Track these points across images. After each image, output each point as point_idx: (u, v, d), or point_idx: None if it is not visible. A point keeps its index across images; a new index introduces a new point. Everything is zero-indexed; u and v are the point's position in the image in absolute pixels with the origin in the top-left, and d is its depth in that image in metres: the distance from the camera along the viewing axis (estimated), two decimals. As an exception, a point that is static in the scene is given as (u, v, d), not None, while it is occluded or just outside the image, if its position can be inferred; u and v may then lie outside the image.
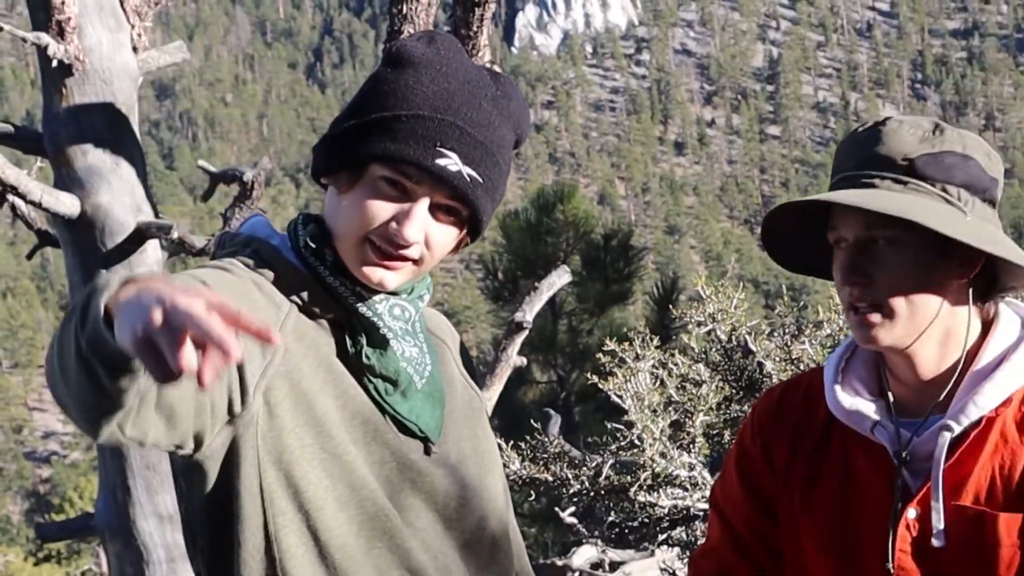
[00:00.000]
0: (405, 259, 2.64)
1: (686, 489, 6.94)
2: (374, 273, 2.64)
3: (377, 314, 2.69)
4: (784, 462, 3.14)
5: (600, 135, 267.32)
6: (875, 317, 2.81)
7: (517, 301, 12.77)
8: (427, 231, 2.64)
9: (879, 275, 2.79)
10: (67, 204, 6.23)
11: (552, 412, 9.92)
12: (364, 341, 2.70)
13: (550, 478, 7.88)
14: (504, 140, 2.71)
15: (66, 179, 6.31)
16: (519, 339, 7.41)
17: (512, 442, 8.04)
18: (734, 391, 7.29)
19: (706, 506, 6.98)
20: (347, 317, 2.72)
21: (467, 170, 2.62)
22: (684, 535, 7.20)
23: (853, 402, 2.98)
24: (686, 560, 7.50)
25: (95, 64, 6.29)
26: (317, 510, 2.64)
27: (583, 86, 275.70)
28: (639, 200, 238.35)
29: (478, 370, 3.07)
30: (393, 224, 2.60)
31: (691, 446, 7.10)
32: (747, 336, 7.29)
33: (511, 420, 15.26)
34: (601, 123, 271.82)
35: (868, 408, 2.97)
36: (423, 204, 2.61)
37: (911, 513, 2.89)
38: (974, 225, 2.78)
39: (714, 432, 7.34)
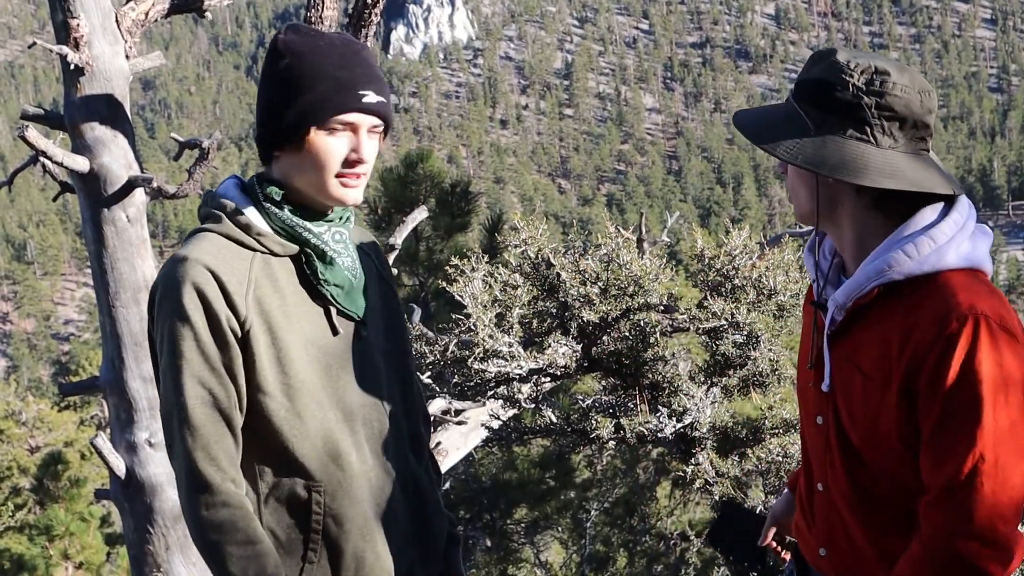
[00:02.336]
0: (361, 175, 2.71)
1: (506, 360, 6.93)
2: (347, 194, 2.74)
3: (324, 242, 2.75)
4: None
5: (449, 115, 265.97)
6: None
7: (391, 230, 12.77)
8: (371, 150, 2.75)
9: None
10: (80, 163, 6.25)
11: (415, 306, 9.93)
12: (317, 263, 2.74)
13: (414, 352, 7.90)
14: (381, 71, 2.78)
15: (80, 146, 6.32)
16: (392, 255, 7.50)
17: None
18: (540, 292, 7.29)
19: (521, 372, 6.99)
20: (300, 250, 2.75)
21: (379, 98, 2.71)
22: (505, 391, 7.21)
23: (806, 259, 2.82)
24: (507, 407, 7.52)
25: (100, 67, 6.27)
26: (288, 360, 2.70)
27: (437, 81, 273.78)
28: (475, 160, 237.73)
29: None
30: (353, 154, 2.68)
31: (510, 331, 7.10)
32: (549, 254, 7.28)
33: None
34: (449, 107, 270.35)
35: (810, 262, 2.79)
36: (364, 132, 2.70)
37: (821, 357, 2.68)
38: (818, 141, 2.52)
39: (526, 321, 7.34)
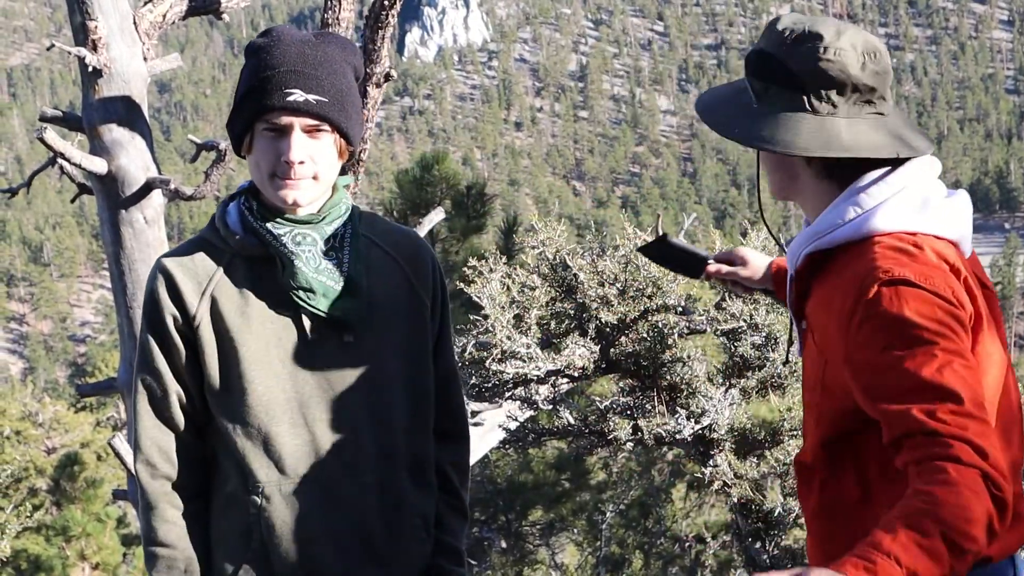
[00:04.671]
0: (295, 178, 2.64)
1: (524, 361, 6.93)
2: (287, 196, 2.65)
3: (283, 244, 2.67)
4: None
5: (463, 117, 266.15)
6: None
7: (407, 232, 12.78)
8: (309, 151, 2.63)
9: None
10: (98, 165, 6.25)
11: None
12: (281, 266, 2.67)
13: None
14: (336, 69, 2.65)
15: (98, 148, 6.33)
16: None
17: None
18: (557, 293, 7.29)
19: (539, 373, 6.99)
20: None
21: (311, 97, 2.60)
22: (522, 393, 7.21)
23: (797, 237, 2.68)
24: (524, 409, 7.51)
25: (118, 69, 6.28)
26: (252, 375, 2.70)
27: (452, 83, 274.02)
28: (490, 162, 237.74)
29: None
30: (283, 155, 2.60)
31: (528, 332, 7.09)
32: (566, 256, 7.27)
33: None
34: (464, 109, 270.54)
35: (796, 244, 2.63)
36: (296, 132, 2.61)
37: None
38: (756, 113, 2.47)
39: (543, 322, 7.34)
